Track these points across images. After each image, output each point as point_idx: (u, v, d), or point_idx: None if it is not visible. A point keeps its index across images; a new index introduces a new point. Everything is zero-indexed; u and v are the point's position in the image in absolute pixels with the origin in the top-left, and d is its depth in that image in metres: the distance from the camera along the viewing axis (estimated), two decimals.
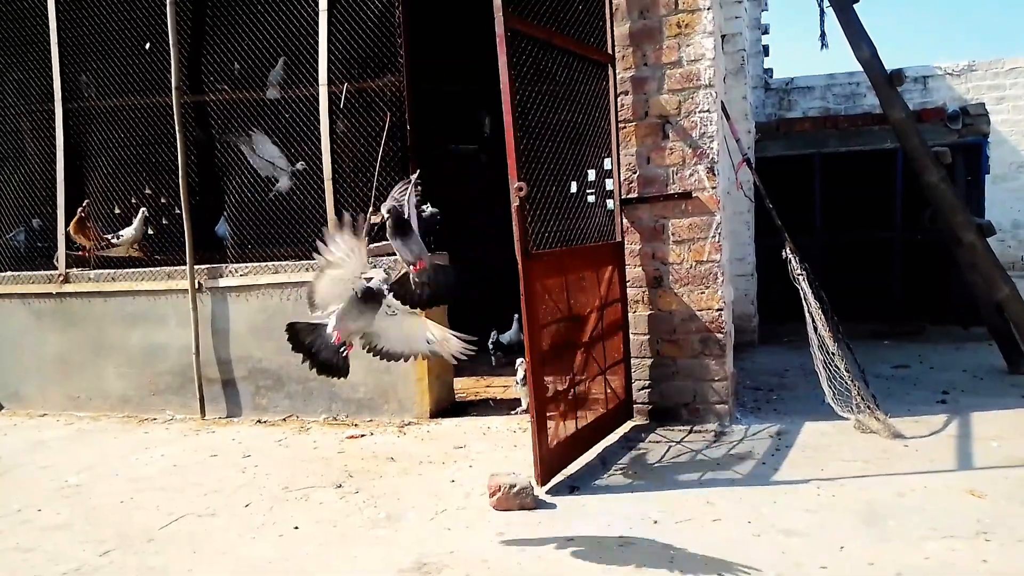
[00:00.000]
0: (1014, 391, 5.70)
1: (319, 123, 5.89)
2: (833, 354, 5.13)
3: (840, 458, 4.61)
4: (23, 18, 6.73)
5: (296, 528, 4.09)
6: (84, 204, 6.54)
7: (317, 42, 5.86)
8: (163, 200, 6.77)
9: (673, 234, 5.36)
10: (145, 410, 6.38)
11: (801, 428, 5.15)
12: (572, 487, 4.42)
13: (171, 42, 6.16)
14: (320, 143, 5.88)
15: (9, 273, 6.82)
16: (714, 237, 5.28)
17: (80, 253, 6.63)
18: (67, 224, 6.60)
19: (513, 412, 5.74)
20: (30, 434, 6.17)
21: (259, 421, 6.05)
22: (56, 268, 6.64)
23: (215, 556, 3.82)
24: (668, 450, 4.92)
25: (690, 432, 5.22)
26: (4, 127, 6.95)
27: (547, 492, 4.34)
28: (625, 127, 5.40)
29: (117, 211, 6.79)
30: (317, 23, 5.86)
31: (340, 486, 4.59)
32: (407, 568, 3.54)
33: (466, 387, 6.56)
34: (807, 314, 5.26)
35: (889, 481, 4.26)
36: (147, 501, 4.56)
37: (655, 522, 3.82)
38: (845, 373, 5.09)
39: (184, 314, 6.21)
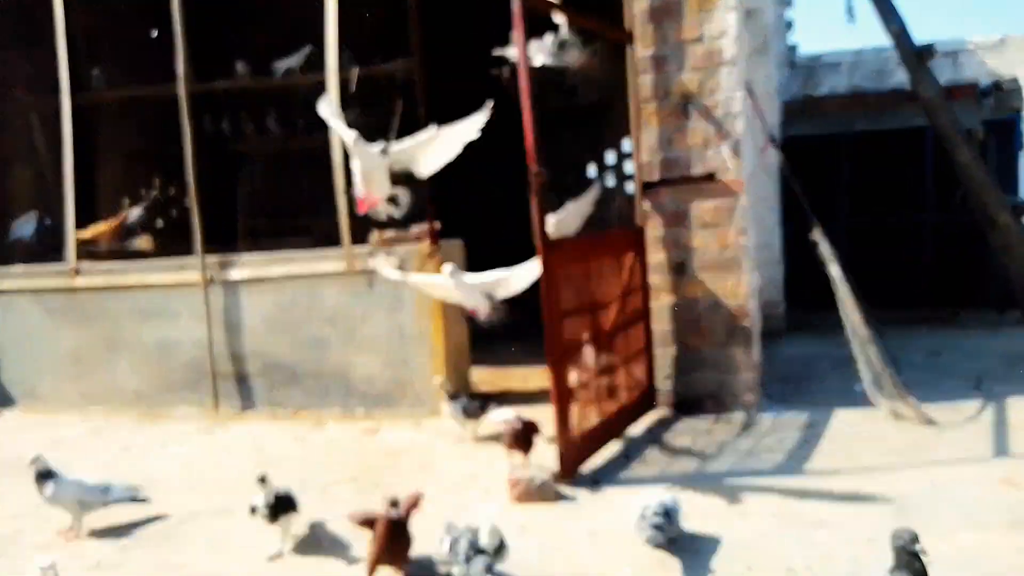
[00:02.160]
0: None
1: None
2: (865, 341, 4.96)
3: (871, 448, 4.46)
4: (30, 10, 6.65)
5: (312, 523, 4.01)
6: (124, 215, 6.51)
7: (325, 27, 5.73)
8: (172, 192, 6.71)
9: (696, 219, 5.20)
10: (159, 406, 6.31)
11: (831, 418, 5.00)
12: (595, 480, 4.31)
13: (177, 32, 6.05)
14: (330, 130, 5.76)
15: (20, 267, 6.76)
16: (739, 221, 5.12)
17: (99, 234, 6.54)
18: (77, 217, 6.53)
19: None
20: (46, 432, 6.12)
21: (274, 416, 5.97)
22: (67, 262, 6.57)
23: (233, 552, 3.75)
24: (693, 441, 4.79)
25: (716, 423, 5.08)
26: (14, 121, 6.89)
27: (569, 485, 4.22)
28: (646, 108, 5.23)
29: (127, 202, 6.74)
30: (325, 7, 5.73)
31: (357, 480, 4.50)
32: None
33: (485, 379, 6.44)
34: (838, 300, 5.08)
35: (921, 471, 4.12)
36: (163, 498, 4.48)
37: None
38: (877, 360, 4.93)
39: (196, 308, 6.12)
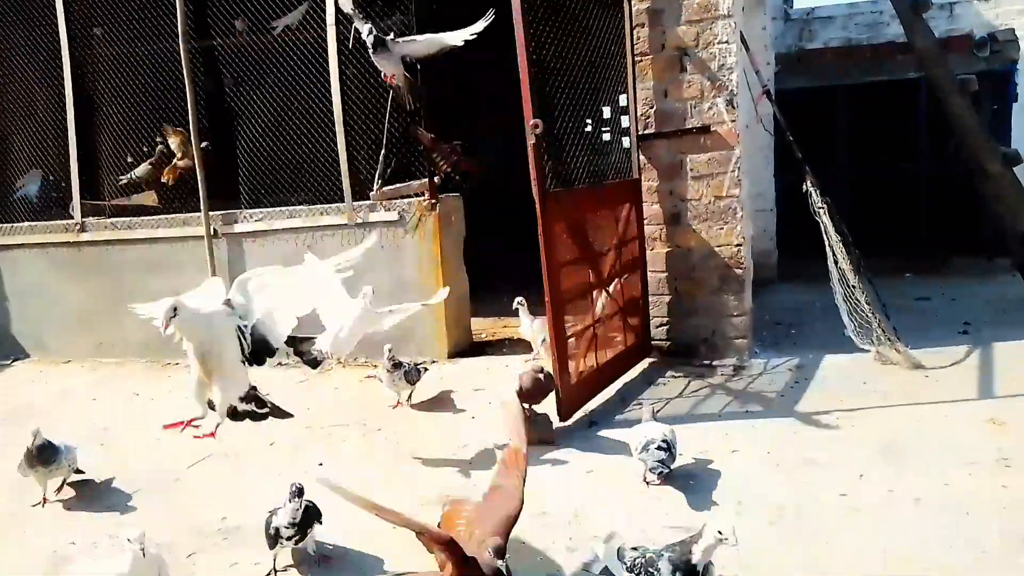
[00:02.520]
0: None
1: (328, 66, 5.77)
2: (854, 287, 5.08)
3: (860, 390, 4.60)
4: None
5: (320, 465, 4.17)
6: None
7: None
8: (159, 141, 6.72)
9: (691, 170, 5.27)
10: (168, 355, 6.43)
11: (821, 362, 5.14)
12: (592, 422, 4.46)
13: None
14: (330, 86, 5.79)
15: (26, 224, 6.84)
16: (733, 172, 5.19)
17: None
18: (80, 173, 6.59)
19: (527, 360, 5.66)
20: (57, 381, 6.27)
21: (280, 363, 6.08)
22: (72, 217, 6.65)
23: (242, 493, 3.91)
24: (687, 385, 4.94)
25: (709, 368, 5.22)
26: (14, 79, 6.89)
27: (568, 427, 4.38)
28: (641, 61, 5.27)
29: (130, 160, 6.78)
30: None
31: (363, 424, 4.65)
32: (431, 500, 3.60)
33: (484, 327, 6.57)
34: (828, 247, 5.19)
35: (909, 412, 4.26)
36: (174, 443, 4.62)
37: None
38: (866, 306, 5.05)
39: (201, 261, 6.22)
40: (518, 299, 5.33)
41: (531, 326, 5.35)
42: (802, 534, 3.12)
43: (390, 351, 4.74)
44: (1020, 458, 3.58)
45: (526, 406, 4.19)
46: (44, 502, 4.01)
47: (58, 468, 3.96)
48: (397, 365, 4.76)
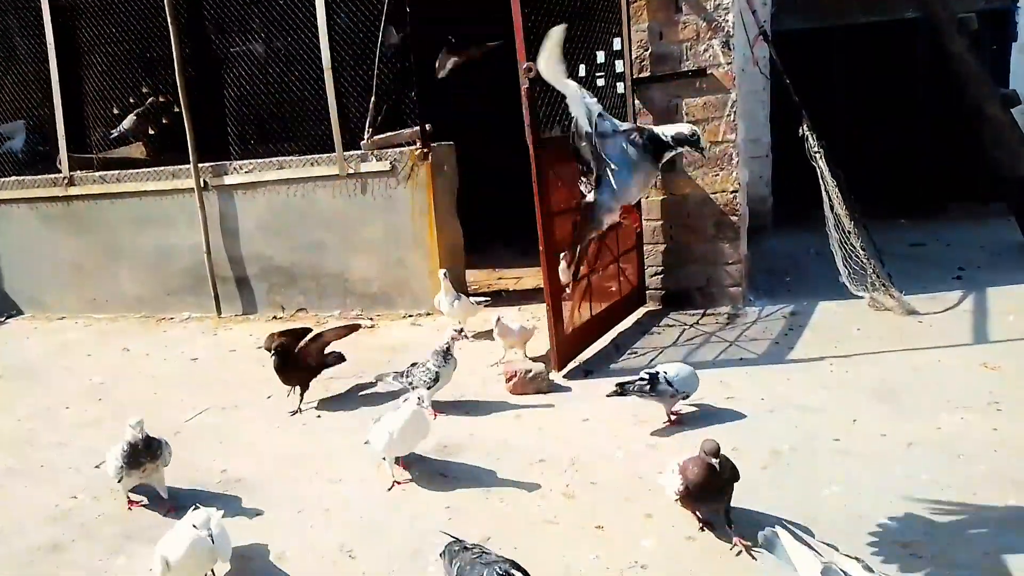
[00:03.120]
0: None
1: (315, 11, 5.64)
2: (849, 232, 5.06)
3: (854, 336, 4.62)
4: None
5: (319, 417, 4.19)
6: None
7: None
8: (161, 99, 6.63)
9: (687, 114, 5.20)
10: (162, 310, 6.44)
11: (815, 308, 5.15)
12: (587, 371, 4.48)
13: None
14: (318, 31, 5.65)
15: (13, 178, 6.75)
16: (729, 116, 5.12)
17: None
18: (66, 126, 6.47)
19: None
20: (52, 337, 6.27)
21: (275, 317, 6.10)
22: (60, 171, 6.56)
23: (241, 446, 3.94)
24: (681, 333, 4.95)
25: (703, 315, 5.23)
26: None
27: (563, 377, 4.40)
28: (636, 1, 5.15)
29: (116, 111, 6.66)
30: None
31: (359, 377, 4.66)
32: (429, 450, 3.63)
33: (479, 280, 6.56)
34: (823, 192, 5.15)
35: (903, 357, 4.28)
36: (171, 397, 4.67)
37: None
38: (861, 251, 5.04)
39: (192, 214, 6.16)
40: (442, 271, 5.14)
41: (450, 306, 5.08)
42: (795, 478, 3.15)
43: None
44: (1012, 402, 3.61)
45: (522, 369, 4.16)
46: (169, 509, 3.31)
47: (162, 464, 3.34)
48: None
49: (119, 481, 3.30)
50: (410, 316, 5.77)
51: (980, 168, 6.69)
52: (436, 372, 3.94)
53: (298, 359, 4.24)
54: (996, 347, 4.31)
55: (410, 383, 3.94)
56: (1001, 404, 3.61)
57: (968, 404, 3.63)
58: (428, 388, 3.84)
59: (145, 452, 3.24)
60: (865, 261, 5.02)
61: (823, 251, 5.38)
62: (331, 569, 2.84)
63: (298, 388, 4.32)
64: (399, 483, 3.39)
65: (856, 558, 2.25)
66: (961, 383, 3.88)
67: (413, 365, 4.05)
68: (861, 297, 5.08)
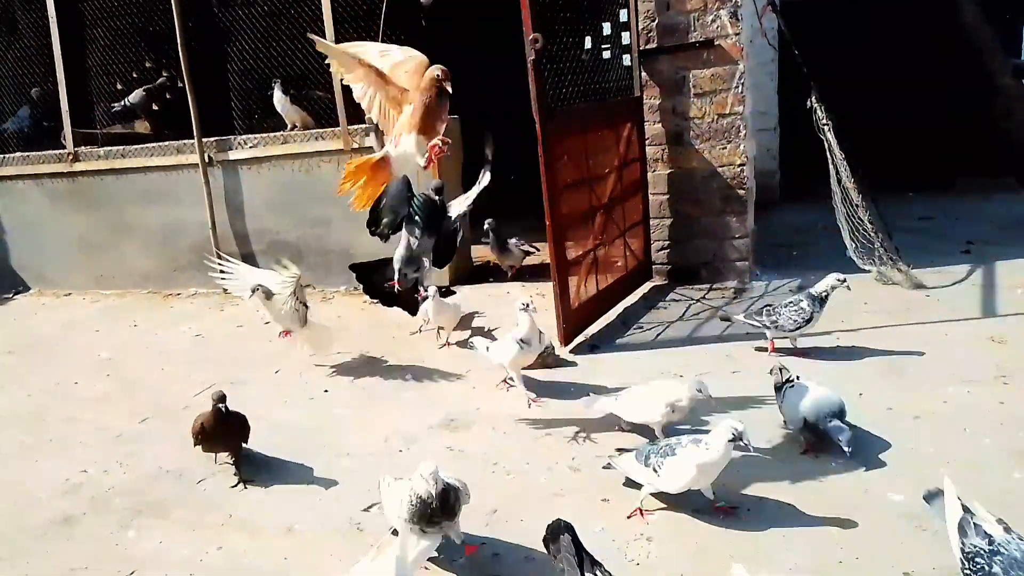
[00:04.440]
0: None
1: None
2: (857, 206, 5.02)
3: (861, 310, 4.60)
4: None
5: (326, 391, 4.22)
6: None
7: None
8: (165, 74, 6.60)
9: (694, 86, 5.14)
10: (169, 286, 6.46)
11: None
12: (593, 346, 4.48)
13: None
14: (321, 3, 5.59)
15: (18, 154, 6.74)
16: (737, 88, 5.07)
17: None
18: (69, 102, 6.44)
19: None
20: (59, 313, 6.30)
21: None
22: (64, 147, 6.54)
23: (250, 420, 3.94)
24: (688, 308, 4.94)
25: (710, 290, 5.22)
26: None
27: (569, 352, 4.40)
28: None
29: (119, 87, 6.63)
30: None
31: (366, 352, 4.68)
32: (436, 425, 3.66)
33: (484, 254, 6.53)
34: (831, 165, 5.11)
35: (910, 331, 4.27)
36: (179, 372, 4.69)
37: (677, 376, 3.87)
38: (868, 225, 5.01)
39: (197, 190, 6.15)
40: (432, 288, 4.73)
41: (426, 309, 4.61)
42: (800, 452, 3.16)
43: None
44: (1018, 375, 3.60)
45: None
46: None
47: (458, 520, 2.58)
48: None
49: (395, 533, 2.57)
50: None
51: (990, 141, 6.62)
52: (811, 313, 3.98)
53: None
54: (1004, 321, 4.29)
55: (773, 322, 4.04)
56: (1008, 378, 3.60)
57: (974, 378, 3.62)
58: (795, 329, 4.00)
59: (440, 511, 2.48)
60: (873, 235, 4.99)
61: (831, 225, 5.34)
62: (340, 541, 2.87)
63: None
64: (534, 400, 3.76)
65: (999, 520, 2.20)
66: (968, 357, 3.87)
67: (767, 306, 4.12)
68: (868, 271, 5.05)
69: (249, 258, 6.20)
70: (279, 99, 5.96)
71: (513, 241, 5.73)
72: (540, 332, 3.82)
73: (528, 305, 3.72)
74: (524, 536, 2.75)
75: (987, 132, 6.54)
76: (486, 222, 5.58)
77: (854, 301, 4.74)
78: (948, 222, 6.40)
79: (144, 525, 3.10)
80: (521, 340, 3.72)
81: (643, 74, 5.21)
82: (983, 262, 5.24)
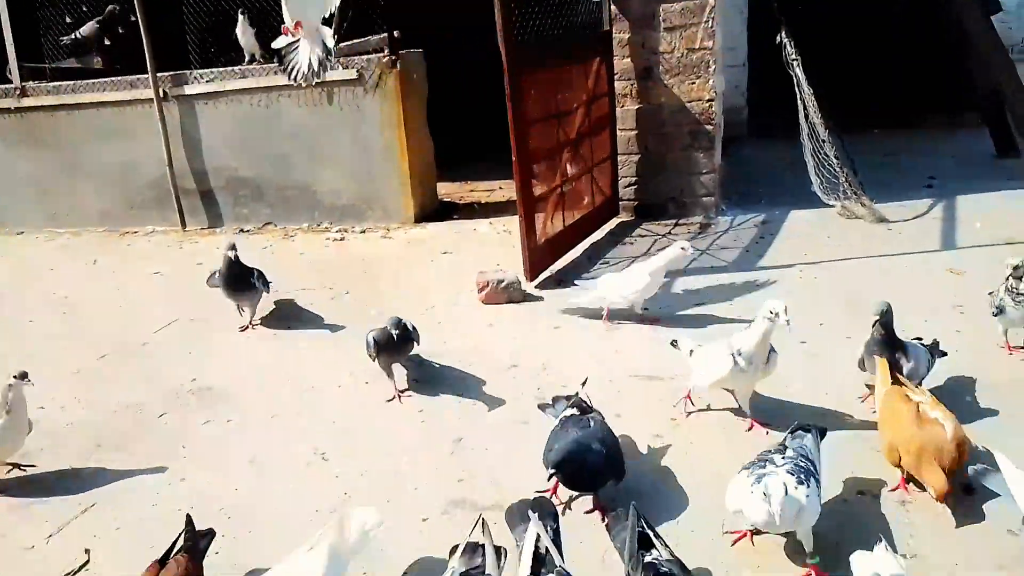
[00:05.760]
0: (1001, 174, 5.67)
1: None
2: (823, 141, 5.03)
3: (824, 243, 4.65)
4: None
5: (289, 328, 4.16)
6: None
7: None
8: (114, 5, 6.33)
9: (664, 20, 5.06)
10: (126, 224, 6.30)
11: (787, 217, 5.16)
12: (559, 281, 4.48)
13: None
14: None
15: None
16: (707, 22, 5.00)
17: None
18: (14, 34, 6.15)
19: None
20: (12, 250, 6.13)
21: (241, 230, 5.99)
22: (11, 82, 6.28)
23: (211, 356, 3.90)
24: (654, 243, 4.94)
25: (676, 225, 5.22)
26: None
27: (535, 287, 4.39)
28: None
29: (68, 20, 6.35)
30: None
31: (330, 288, 4.62)
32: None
33: (451, 192, 6.48)
34: (799, 101, 5.09)
35: (871, 263, 4.33)
36: (137, 310, 4.60)
37: (643, 308, 3.88)
38: (834, 160, 5.03)
39: (153, 126, 5.95)
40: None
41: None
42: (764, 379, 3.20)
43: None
44: (974, 305, 3.66)
45: (494, 279, 4.14)
46: None
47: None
48: None
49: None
50: (380, 229, 5.69)
51: (954, 79, 6.64)
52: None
53: None
54: (962, 253, 4.37)
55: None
56: (964, 307, 3.67)
57: (933, 307, 3.69)
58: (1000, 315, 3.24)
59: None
60: (838, 170, 5.01)
61: (797, 161, 5.35)
62: (304, 471, 2.86)
63: None
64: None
65: None
66: (927, 288, 3.94)
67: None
68: (832, 206, 5.09)
69: (207, 195, 6.07)
70: (242, 29, 5.75)
71: None
72: (772, 350, 2.87)
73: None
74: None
75: (950, 70, 6.55)
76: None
77: (816, 235, 4.79)
78: (911, 158, 6.45)
79: (104, 459, 3.06)
80: (739, 354, 2.79)
81: (612, 7, 5.11)
82: (944, 197, 5.30)
